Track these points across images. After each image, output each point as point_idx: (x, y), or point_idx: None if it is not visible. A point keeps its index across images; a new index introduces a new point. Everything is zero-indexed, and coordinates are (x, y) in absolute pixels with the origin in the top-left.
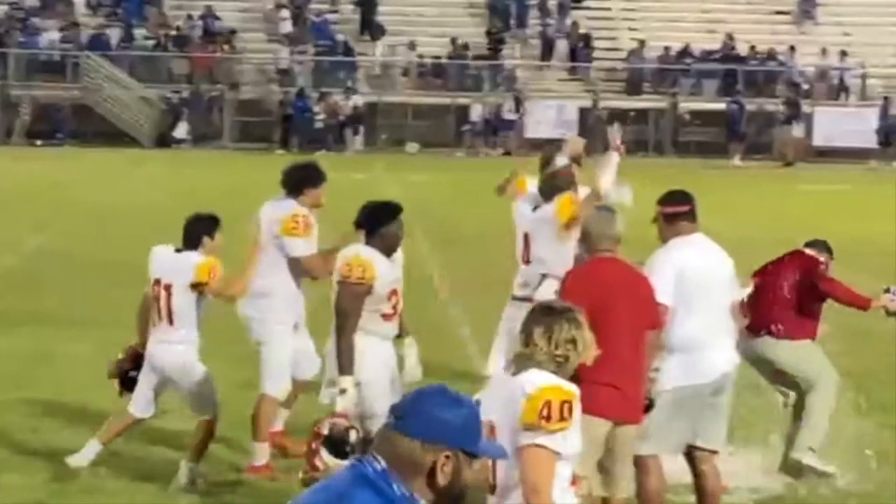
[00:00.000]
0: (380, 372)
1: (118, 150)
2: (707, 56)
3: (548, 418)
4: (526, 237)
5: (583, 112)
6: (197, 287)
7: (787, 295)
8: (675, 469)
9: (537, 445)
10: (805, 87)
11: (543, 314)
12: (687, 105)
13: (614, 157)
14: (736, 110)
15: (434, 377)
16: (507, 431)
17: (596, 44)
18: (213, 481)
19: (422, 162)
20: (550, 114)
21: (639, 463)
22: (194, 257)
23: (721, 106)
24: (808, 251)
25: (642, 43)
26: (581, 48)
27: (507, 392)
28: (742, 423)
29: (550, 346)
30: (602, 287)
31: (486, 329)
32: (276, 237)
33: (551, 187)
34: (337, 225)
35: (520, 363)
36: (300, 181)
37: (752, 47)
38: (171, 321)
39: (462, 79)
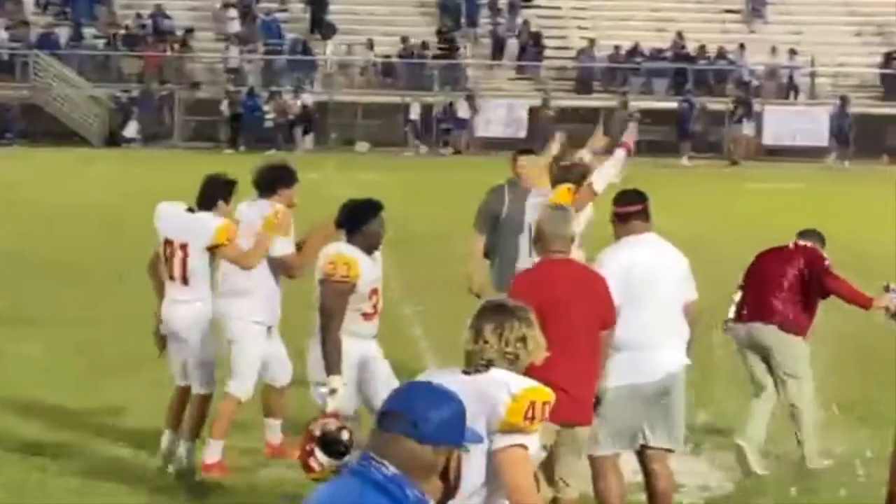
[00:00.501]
0: (353, 373)
1: (68, 149)
2: (657, 55)
3: (531, 419)
4: (531, 228)
5: (532, 111)
6: (213, 249)
7: (792, 288)
8: (626, 468)
9: (517, 446)
10: (755, 85)
11: (495, 311)
12: (637, 104)
13: (621, 154)
14: (686, 109)
15: None
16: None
17: (546, 42)
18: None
19: (372, 161)
20: (501, 112)
21: (595, 465)
22: (212, 220)
23: (671, 105)
24: (807, 243)
25: (592, 42)
26: (531, 47)
27: (474, 390)
28: (694, 422)
29: (501, 343)
30: (554, 288)
31: (438, 328)
32: (255, 236)
33: (563, 180)
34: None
35: (470, 360)
36: (274, 181)
37: (702, 46)
38: (185, 281)
39: (412, 78)
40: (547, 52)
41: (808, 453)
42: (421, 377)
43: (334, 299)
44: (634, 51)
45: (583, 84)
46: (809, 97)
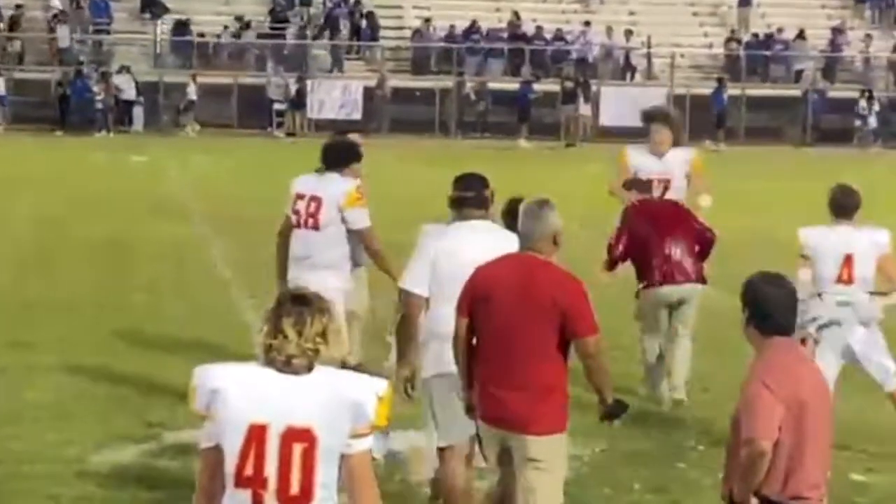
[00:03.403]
0: None
1: None
2: (494, 35)
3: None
4: (849, 258)
5: (367, 92)
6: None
7: (691, 243)
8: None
9: (368, 451)
10: (592, 66)
11: (294, 303)
12: (473, 85)
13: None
14: (523, 90)
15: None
16: (336, 435)
17: (381, 22)
18: None
19: (202, 143)
20: (335, 94)
21: (440, 455)
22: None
23: (508, 86)
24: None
25: (428, 21)
26: (366, 27)
27: (328, 392)
28: None
29: (301, 338)
30: (498, 283)
31: None
32: (339, 211)
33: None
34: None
35: (267, 354)
36: (344, 155)
37: (539, 26)
38: None
39: (245, 57)
40: (382, 32)
41: (677, 384)
42: (225, 378)
43: None
44: (471, 30)
45: (418, 64)
46: (646, 78)
